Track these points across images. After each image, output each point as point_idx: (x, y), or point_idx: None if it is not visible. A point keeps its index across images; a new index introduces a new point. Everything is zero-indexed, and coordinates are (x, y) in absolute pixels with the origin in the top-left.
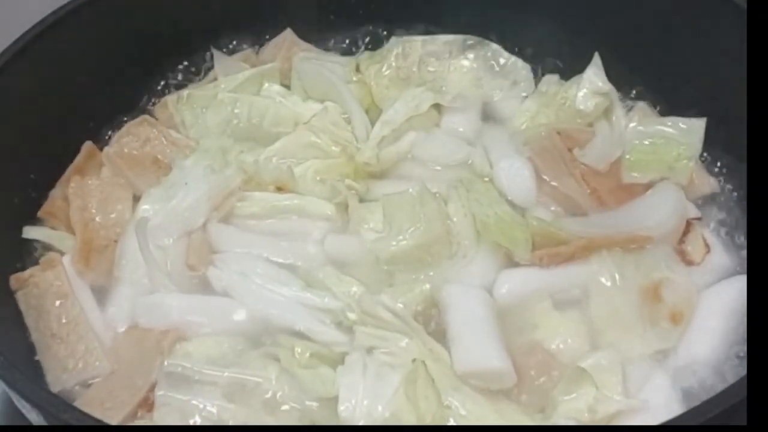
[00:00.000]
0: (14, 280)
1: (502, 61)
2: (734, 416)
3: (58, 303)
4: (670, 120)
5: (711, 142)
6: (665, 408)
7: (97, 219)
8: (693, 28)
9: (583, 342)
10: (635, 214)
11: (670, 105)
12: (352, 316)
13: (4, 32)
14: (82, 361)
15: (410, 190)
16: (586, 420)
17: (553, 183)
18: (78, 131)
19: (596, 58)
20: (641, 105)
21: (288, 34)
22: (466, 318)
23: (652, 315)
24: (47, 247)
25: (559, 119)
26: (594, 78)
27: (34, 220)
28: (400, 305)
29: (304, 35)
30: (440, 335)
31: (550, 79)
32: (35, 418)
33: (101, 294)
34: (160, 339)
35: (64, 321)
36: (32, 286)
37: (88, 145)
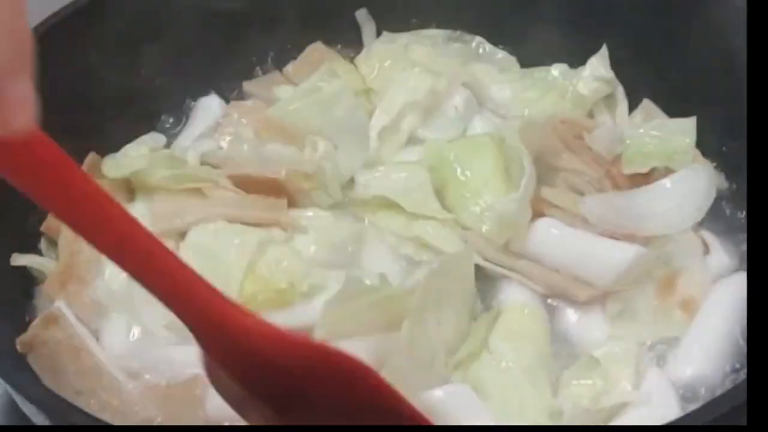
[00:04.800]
0: (21, 344)
1: (487, 50)
2: (734, 417)
3: (71, 359)
4: (659, 121)
5: (710, 140)
6: (665, 408)
7: (87, 250)
8: (693, 27)
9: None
10: (659, 208)
11: (669, 104)
12: None
13: None
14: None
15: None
16: (587, 407)
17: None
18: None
19: (603, 49)
20: (646, 102)
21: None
22: None
23: (665, 303)
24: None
25: (559, 107)
26: (597, 65)
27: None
28: None
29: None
30: None
31: (550, 68)
32: (41, 420)
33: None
34: (187, 390)
35: (84, 377)
36: (40, 346)
37: (92, 156)
